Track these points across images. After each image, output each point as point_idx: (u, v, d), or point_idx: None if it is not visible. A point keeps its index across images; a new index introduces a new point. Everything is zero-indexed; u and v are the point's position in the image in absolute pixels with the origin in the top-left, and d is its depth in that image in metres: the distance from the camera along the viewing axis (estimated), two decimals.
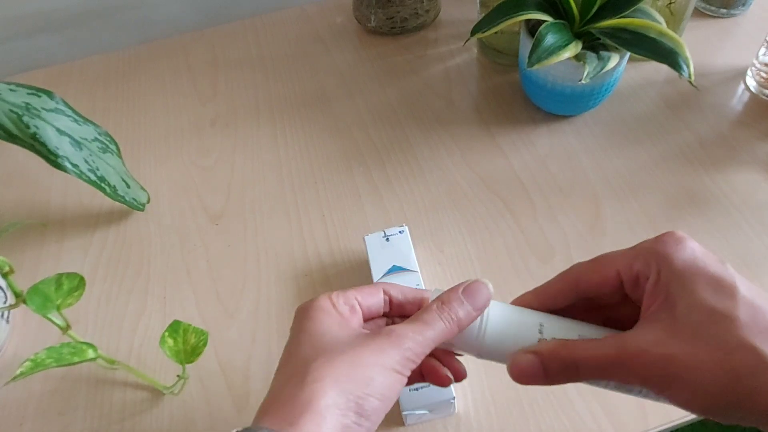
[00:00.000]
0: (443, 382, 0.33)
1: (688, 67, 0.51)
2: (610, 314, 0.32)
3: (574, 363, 0.28)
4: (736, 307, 0.26)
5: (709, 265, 0.27)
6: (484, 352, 0.32)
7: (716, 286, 0.26)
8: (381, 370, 0.28)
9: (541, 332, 0.31)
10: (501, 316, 0.32)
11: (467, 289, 0.31)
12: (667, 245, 0.28)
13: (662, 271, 0.28)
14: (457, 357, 0.34)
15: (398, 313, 0.35)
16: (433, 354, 0.32)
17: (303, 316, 0.31)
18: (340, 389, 0.27)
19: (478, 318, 0.31)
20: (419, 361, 0.30)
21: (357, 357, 0.28)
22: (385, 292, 0.34)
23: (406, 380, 0.29)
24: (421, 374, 0.33)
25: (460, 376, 0.33)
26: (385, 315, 0.35)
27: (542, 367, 0.29)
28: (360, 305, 0.33)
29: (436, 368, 0.33)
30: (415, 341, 0.29)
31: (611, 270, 0.30)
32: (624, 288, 0.30)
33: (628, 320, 0.29)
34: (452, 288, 0.32)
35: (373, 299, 0.33)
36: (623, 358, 0.27)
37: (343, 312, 0.32)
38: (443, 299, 0.31)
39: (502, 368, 0.30)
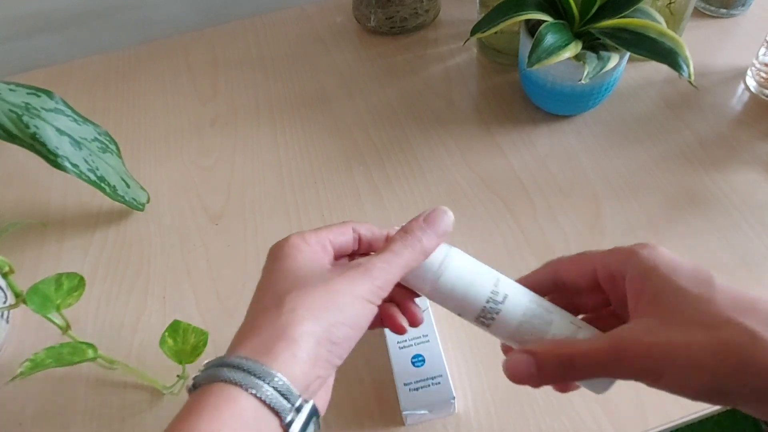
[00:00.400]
0: (398, 330, 0.34)
1: (687, 67, 0.51)
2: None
3: (570, 359, 0.29)
4: (716, 293, 0.28)
5: (684, 262, 0.30)
6: (438, 290, 0.33)
7: (695, 278, 0.29)
8: (353, 299, 0.29)
9: (496, 285, 0.33)
10: (463, 261, 0.34)
11: (428, 216, 0.33)
12: (643, 248, 0.31)
13: (640, 270, 0.30)
14: (417, 306, 0.35)
15: (366, 250, 0.36)
16: (393, 299, 0.34)
17: (277, 254, 0.32)
18: (314, 318, 0.28)
19: (441, 254, 0.33)
20: (389, 289, 0.31)
21: (330, 287, 0.29)
22: (354, 231, 0.35)
23: (376, 310, 0.31)
24: (381, 320, 0.34)
25: (416, 321, 0.35)
26: (353, 254, 0.36)
27: (537, 366, 0.30)
28: (331, 243, 0.34)
29: (394, 315, 0.34)
30: (383, 270, 0.31)
31: (589, 266, 0.33)
32: (600, 285, 0.33)
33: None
34: (414, 218, 0.33)
35: (344, 238, 0.35)
36: (618, 352, 0.28)
37: (315, 250, 0.33)
38: (406, 229, 0.33)
39: (501, 368, 0.30)
